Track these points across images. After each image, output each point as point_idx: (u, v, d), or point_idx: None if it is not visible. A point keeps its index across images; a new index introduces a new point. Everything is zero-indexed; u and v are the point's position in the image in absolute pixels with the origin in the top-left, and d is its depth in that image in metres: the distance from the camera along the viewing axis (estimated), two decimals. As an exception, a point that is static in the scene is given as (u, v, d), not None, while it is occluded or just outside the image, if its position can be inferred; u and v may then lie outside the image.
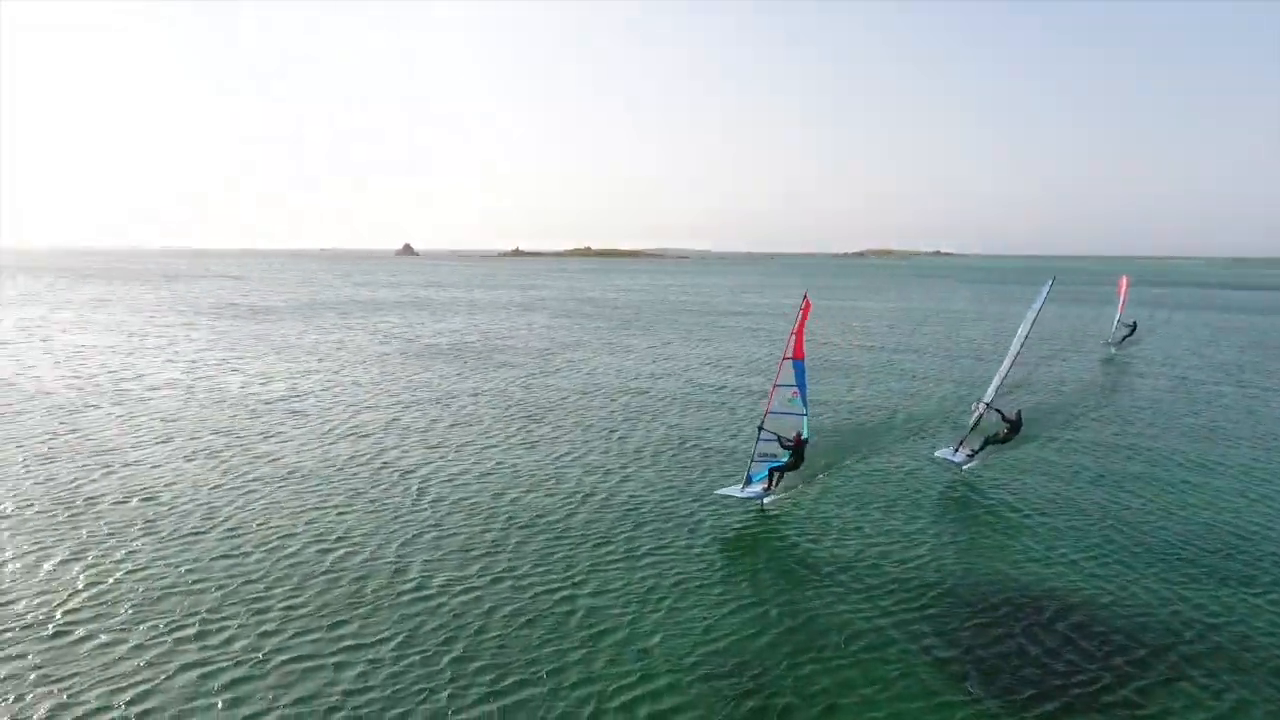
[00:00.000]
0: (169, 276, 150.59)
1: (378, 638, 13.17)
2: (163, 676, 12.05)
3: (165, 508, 18.98)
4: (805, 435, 18.47)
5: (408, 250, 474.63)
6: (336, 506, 19.27)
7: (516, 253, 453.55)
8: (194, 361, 42.19)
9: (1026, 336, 22.19)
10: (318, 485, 20.89)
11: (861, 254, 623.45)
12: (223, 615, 13.78)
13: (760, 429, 18.62)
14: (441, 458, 23.69)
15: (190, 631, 13.26)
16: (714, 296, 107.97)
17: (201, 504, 19.23)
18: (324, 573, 15.56)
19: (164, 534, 17.35)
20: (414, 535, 17.54)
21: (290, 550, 16.60)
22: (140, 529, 17.64)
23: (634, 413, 30.23)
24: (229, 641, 12.95)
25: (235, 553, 16.40)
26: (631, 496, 20.25)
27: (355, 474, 21.87)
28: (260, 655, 12.59)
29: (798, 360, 18.01)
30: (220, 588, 14.84)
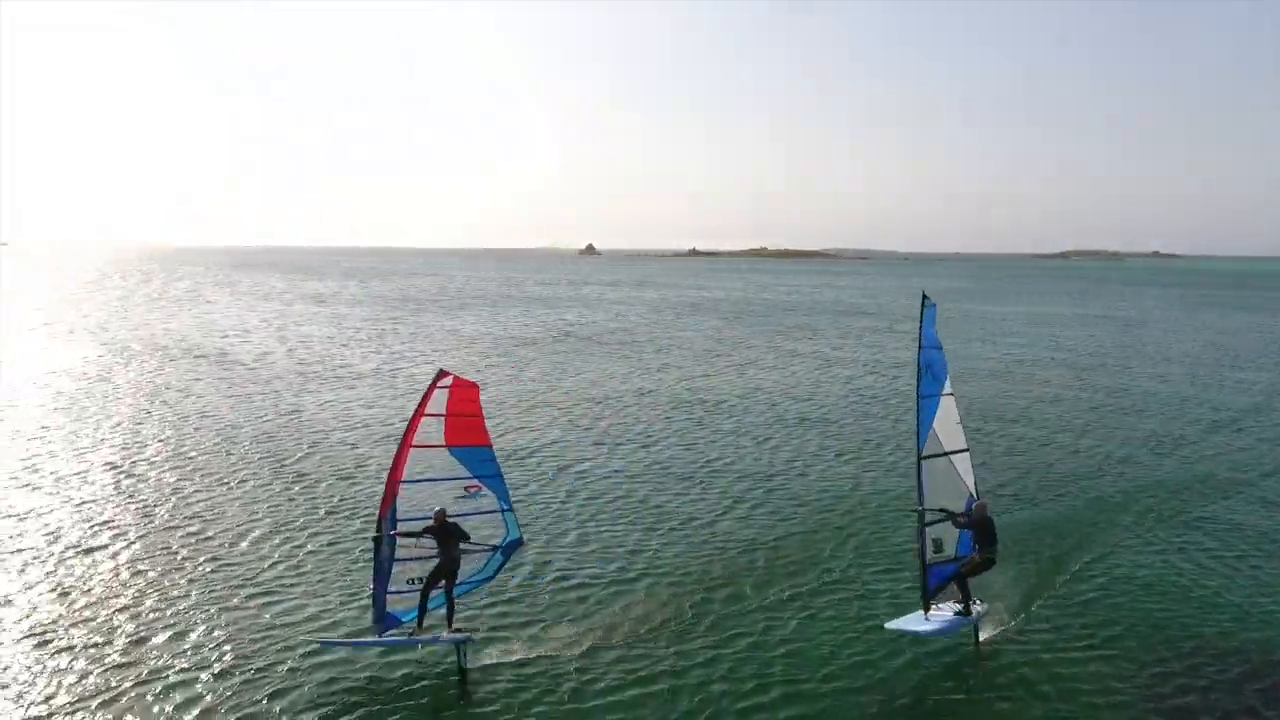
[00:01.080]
0: (350, 273, 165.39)
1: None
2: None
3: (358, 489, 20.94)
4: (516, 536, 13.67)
5: (590, 250, 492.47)
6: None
7: (693, 253, 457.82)
8: (396, 352, 46.26)
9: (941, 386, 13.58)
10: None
11: (1064, 255, 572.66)
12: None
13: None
14: (607, 453, 24.42)
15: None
16: (889, 299, 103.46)
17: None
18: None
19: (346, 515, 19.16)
20: (559, 530, 18.22)
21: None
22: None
23: (793, 420, 29.62)
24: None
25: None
26: (781, 506, 19.88)
27: (534, 467, 22.98)
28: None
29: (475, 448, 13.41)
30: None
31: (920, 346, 13.24)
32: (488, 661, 12.68)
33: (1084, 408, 32.31)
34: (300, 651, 12.86)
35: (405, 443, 13.01)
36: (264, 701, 11.51)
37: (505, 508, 13.58)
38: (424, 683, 12.23)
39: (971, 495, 13.58)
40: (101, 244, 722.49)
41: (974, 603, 13.15)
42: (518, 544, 13.74)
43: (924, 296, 13.43)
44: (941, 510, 12.99)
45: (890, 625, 13.00)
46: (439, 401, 13.10)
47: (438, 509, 12.78)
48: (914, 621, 12.96)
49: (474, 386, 13.51)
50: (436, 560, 12.60)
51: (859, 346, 52.53)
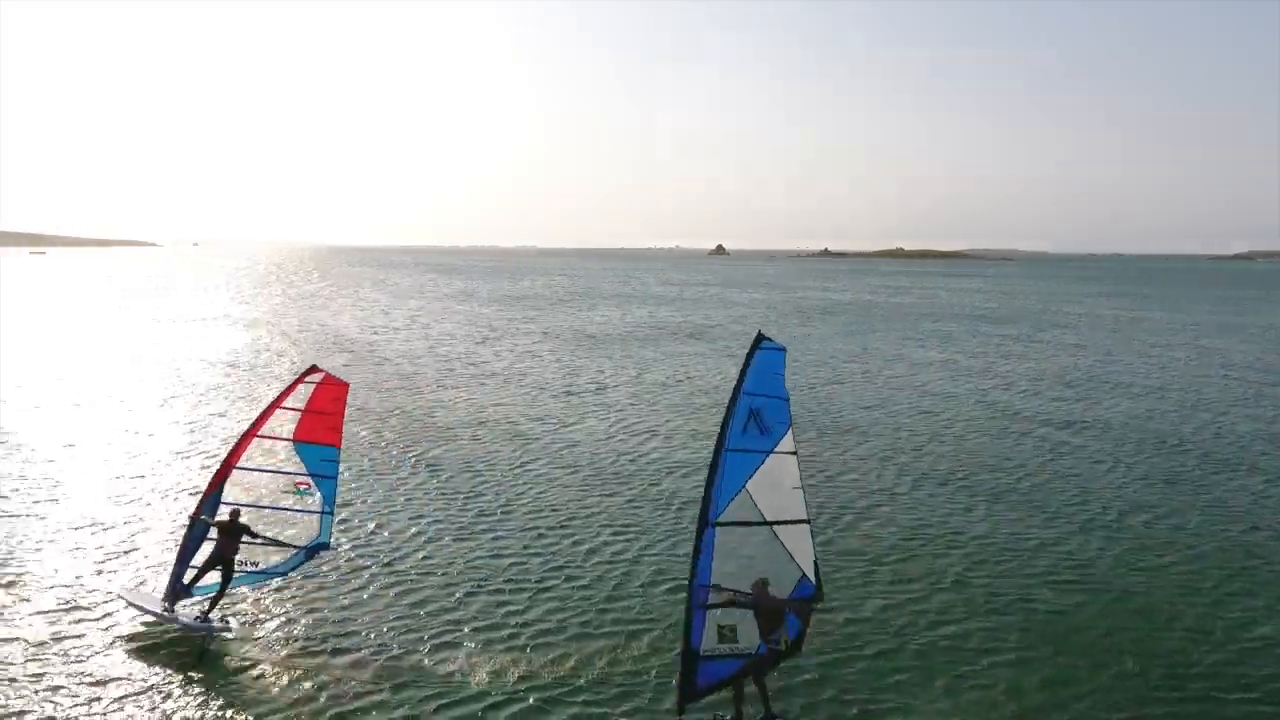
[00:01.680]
0: (499, 272, 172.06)
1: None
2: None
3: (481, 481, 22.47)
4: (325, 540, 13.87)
5: (720, 250, 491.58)
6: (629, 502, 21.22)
7: (825, 253, 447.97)
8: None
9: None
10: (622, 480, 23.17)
11: (1248, 256, 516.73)
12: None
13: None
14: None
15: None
16: (1033, 303, 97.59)
17: (509, 487, 22.40)
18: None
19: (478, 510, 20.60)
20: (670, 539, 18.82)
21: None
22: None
23: (918, 434, 28.97)
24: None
25: (545, 531, 18.92)
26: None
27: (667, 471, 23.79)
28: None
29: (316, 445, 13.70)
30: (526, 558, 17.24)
31: (740, 391, 10.82)
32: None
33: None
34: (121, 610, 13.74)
35: (252, 430, 13.65)
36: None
37: (327, 510, 13.87)
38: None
39: (807, 578, 11.07)
40: (248, 243, 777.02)
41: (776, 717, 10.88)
42: (324, 547, 14.04)
43: (759, 336, 11.16)
44: (718, 587, 10.63)
45: None
46: (301, 396, 13.66)
47: (231, 510, 13.51)
48: None
49: (343, 385, 13.93)
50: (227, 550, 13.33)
51: (995, 356, 50.25)
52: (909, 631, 14.20)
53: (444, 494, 21.38)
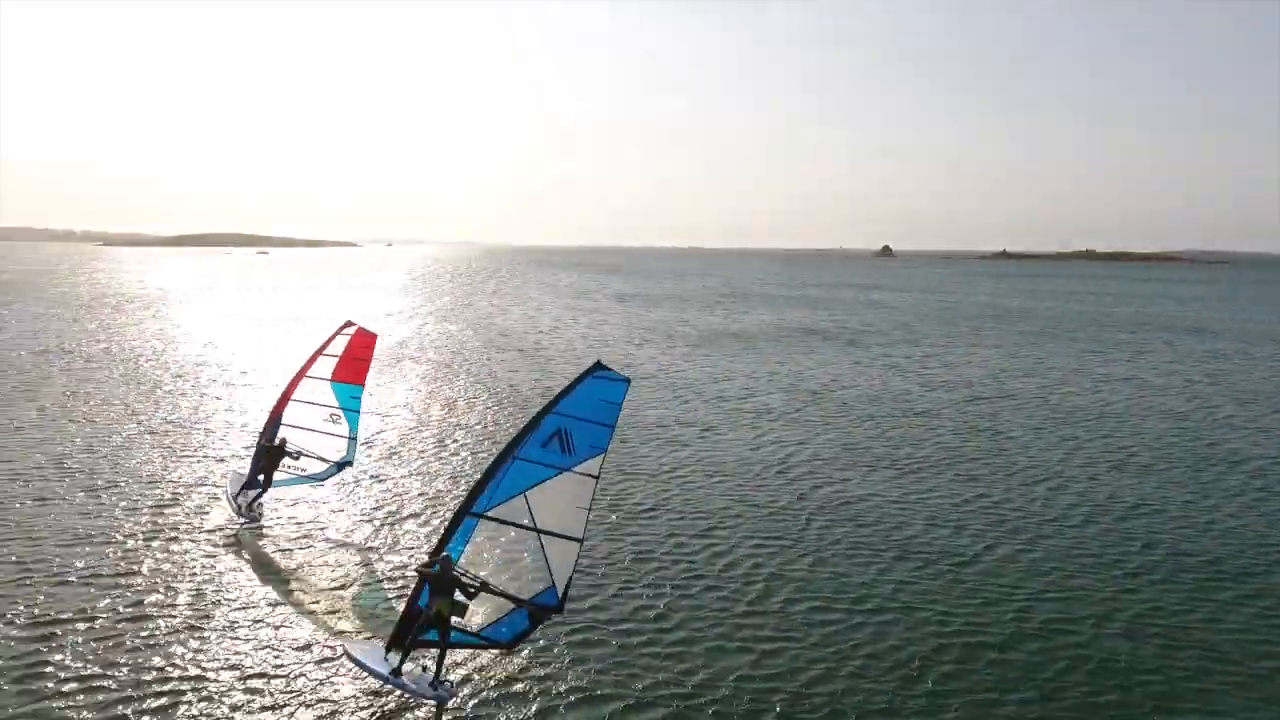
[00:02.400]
0: (653, 274, 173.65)
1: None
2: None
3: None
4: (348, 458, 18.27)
5: (886, 252, 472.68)
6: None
7: (1003, 255, 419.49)
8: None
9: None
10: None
11: None
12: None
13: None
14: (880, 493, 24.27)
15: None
16: (1249, 313, 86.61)
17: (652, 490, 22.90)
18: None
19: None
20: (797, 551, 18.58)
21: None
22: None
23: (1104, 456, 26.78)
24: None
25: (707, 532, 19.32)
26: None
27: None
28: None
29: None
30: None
31: (551, 409, 11.77)
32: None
33: None
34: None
35: (301, 371, 17.68)
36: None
37: (352, 435, 18.02)
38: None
39: (554, 589, 11.98)
40: (433, 243, 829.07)
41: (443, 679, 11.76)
42: (348, 464, 18.36)
43: (596, 364, 11.92)
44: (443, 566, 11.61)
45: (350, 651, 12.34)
46: (338, 345, 17.35)
47: (282, 437, 18.17)
48: (374, 658, 12.02)
49: (373, 335, 17.49)
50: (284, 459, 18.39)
51: (1195, 372, 45.29)
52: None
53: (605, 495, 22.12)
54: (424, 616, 11.67)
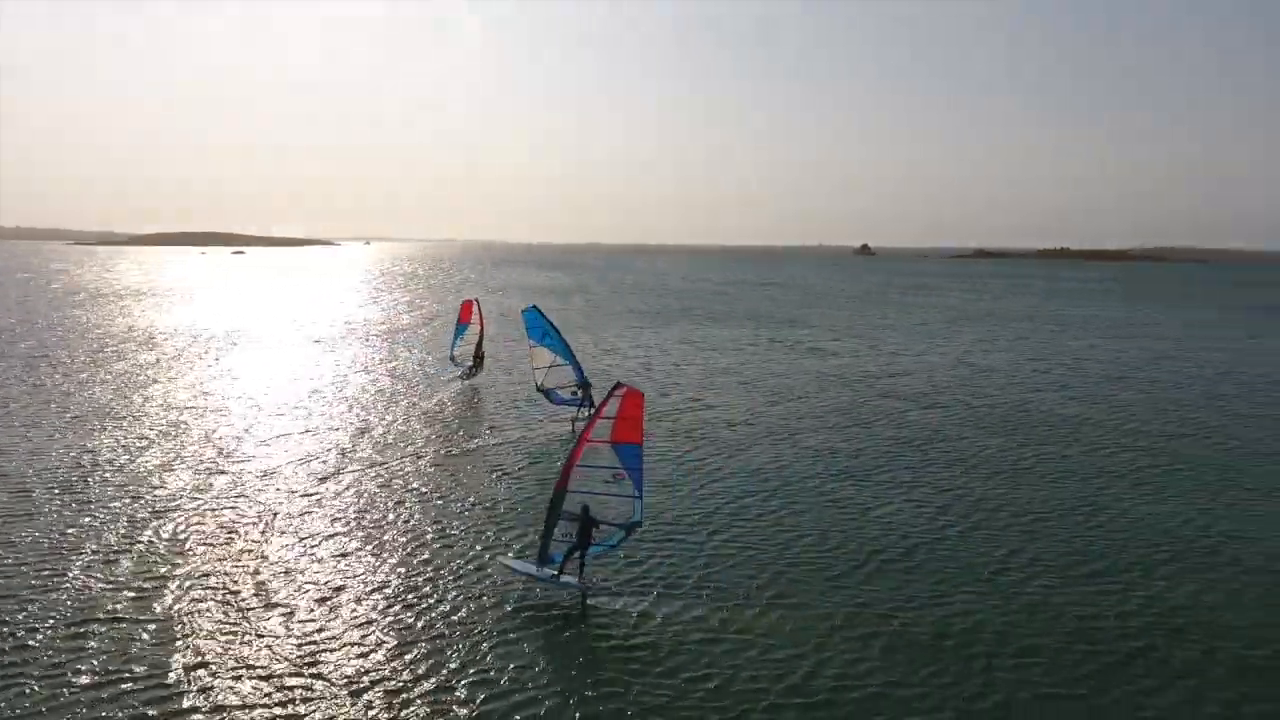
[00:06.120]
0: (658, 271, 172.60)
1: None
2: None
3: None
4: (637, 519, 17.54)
5: (865, 250, 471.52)
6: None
7: (979, 254, 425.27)
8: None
9: None
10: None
11: None
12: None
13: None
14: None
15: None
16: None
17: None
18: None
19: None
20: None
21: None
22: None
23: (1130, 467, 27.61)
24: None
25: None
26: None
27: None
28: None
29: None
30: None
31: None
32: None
33: None
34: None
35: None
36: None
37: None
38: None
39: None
40: (412, 241, 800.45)
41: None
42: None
43: (530, 307, 29.07)
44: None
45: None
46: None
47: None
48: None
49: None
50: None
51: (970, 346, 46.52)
52: None
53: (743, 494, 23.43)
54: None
